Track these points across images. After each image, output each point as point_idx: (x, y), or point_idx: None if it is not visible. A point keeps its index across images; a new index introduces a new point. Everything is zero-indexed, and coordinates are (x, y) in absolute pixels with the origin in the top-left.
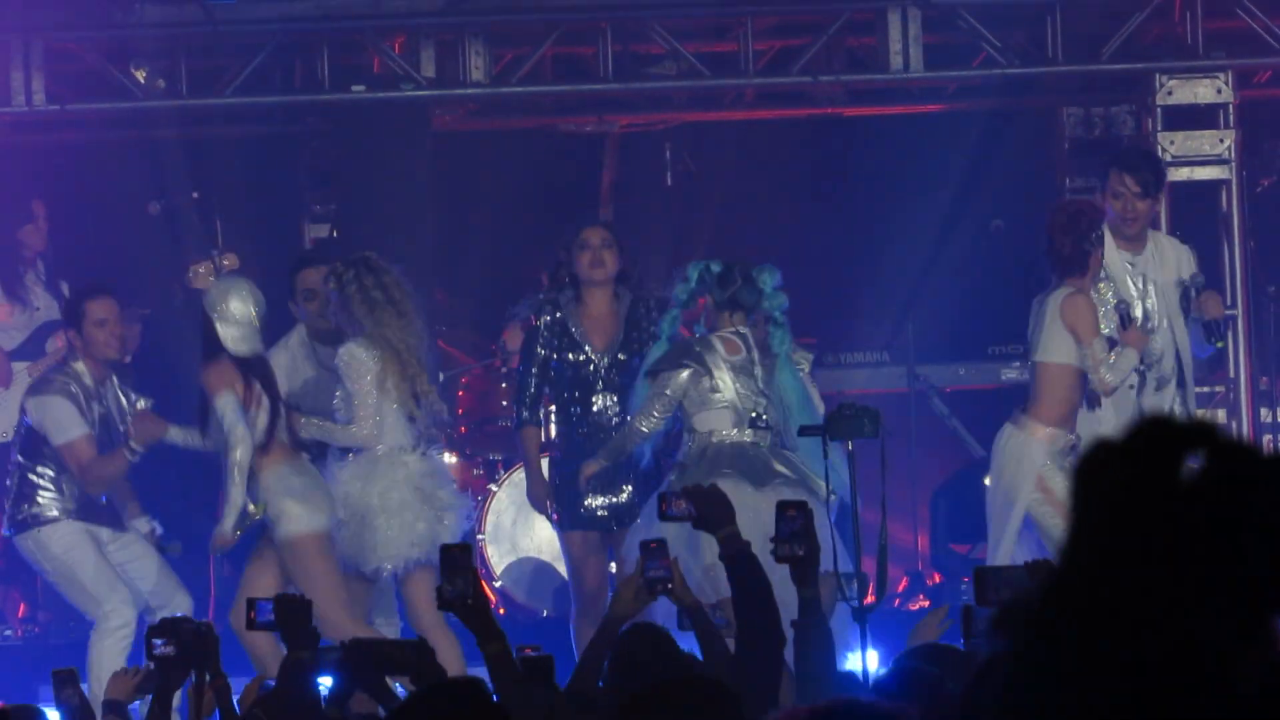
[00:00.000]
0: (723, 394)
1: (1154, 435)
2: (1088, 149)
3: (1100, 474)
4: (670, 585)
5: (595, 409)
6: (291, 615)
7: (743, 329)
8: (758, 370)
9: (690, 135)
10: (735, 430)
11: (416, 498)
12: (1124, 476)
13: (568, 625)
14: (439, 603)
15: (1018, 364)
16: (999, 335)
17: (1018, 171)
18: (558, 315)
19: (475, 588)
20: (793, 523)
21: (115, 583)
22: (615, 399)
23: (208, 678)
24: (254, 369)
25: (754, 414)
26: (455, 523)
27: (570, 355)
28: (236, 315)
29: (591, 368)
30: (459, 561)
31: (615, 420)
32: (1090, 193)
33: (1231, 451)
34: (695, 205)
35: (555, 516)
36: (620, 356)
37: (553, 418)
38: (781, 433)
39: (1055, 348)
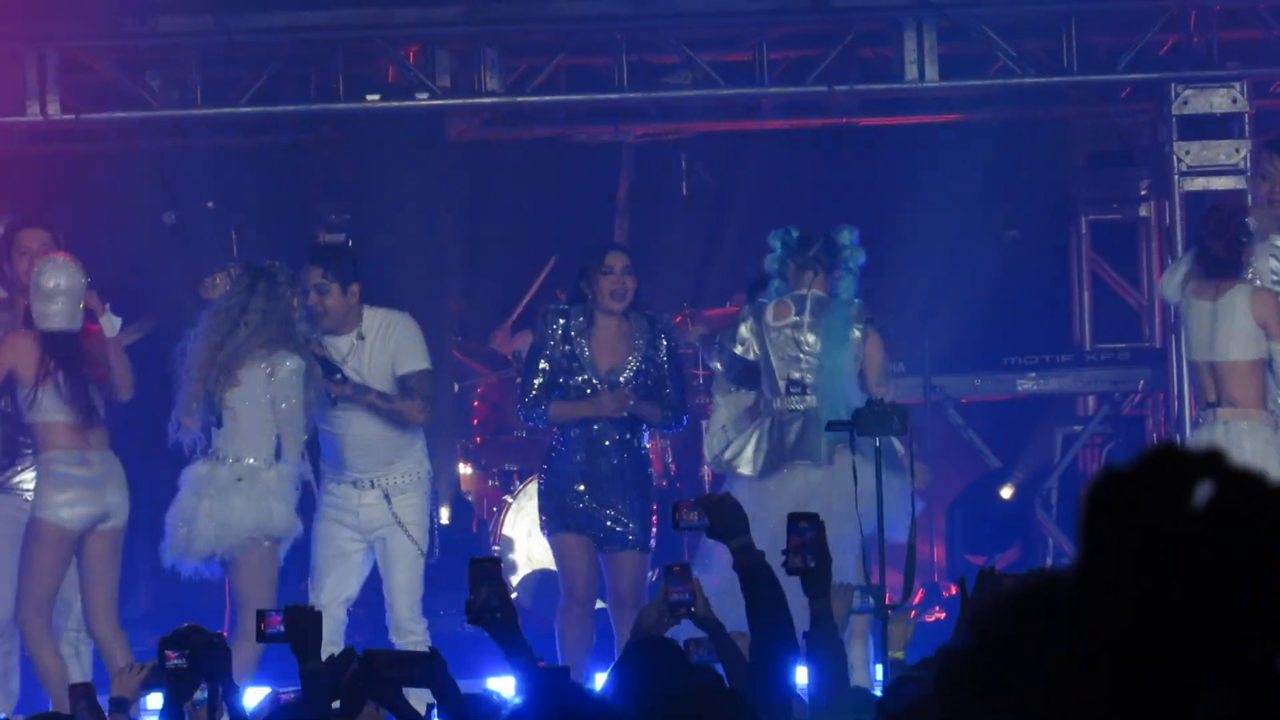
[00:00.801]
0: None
1: (1163, 464)
2: (1103, 159)
3: (1109, 502)
4: (693, 609)
5: (595, 429)
6: (302, 627)
7: (817, 291)
8: (806, 334)
9: (705, 145)
10: (771, 398)
11: None
12: (1133, 505)
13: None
14: (467, 615)
15: (1034, 374)
16: (1015, 346)
17: (1033, 181)
18: (568, 333)
19: (505, 601)
20: (804, 534)
21: None
22: (610, 420)
23: (220, 689)
24: (58, 347)
25: (789, 378)
26: None
27: (575, 376)
28: (54, 290)
29: (589, 392)
30: (488, 573)
31: (613, 440)
32: (1107, 204)
33: (1240, 480)
34: (711, 215)
35: (542, 521)
36: (620, 380)
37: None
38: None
39: (1246, 345)
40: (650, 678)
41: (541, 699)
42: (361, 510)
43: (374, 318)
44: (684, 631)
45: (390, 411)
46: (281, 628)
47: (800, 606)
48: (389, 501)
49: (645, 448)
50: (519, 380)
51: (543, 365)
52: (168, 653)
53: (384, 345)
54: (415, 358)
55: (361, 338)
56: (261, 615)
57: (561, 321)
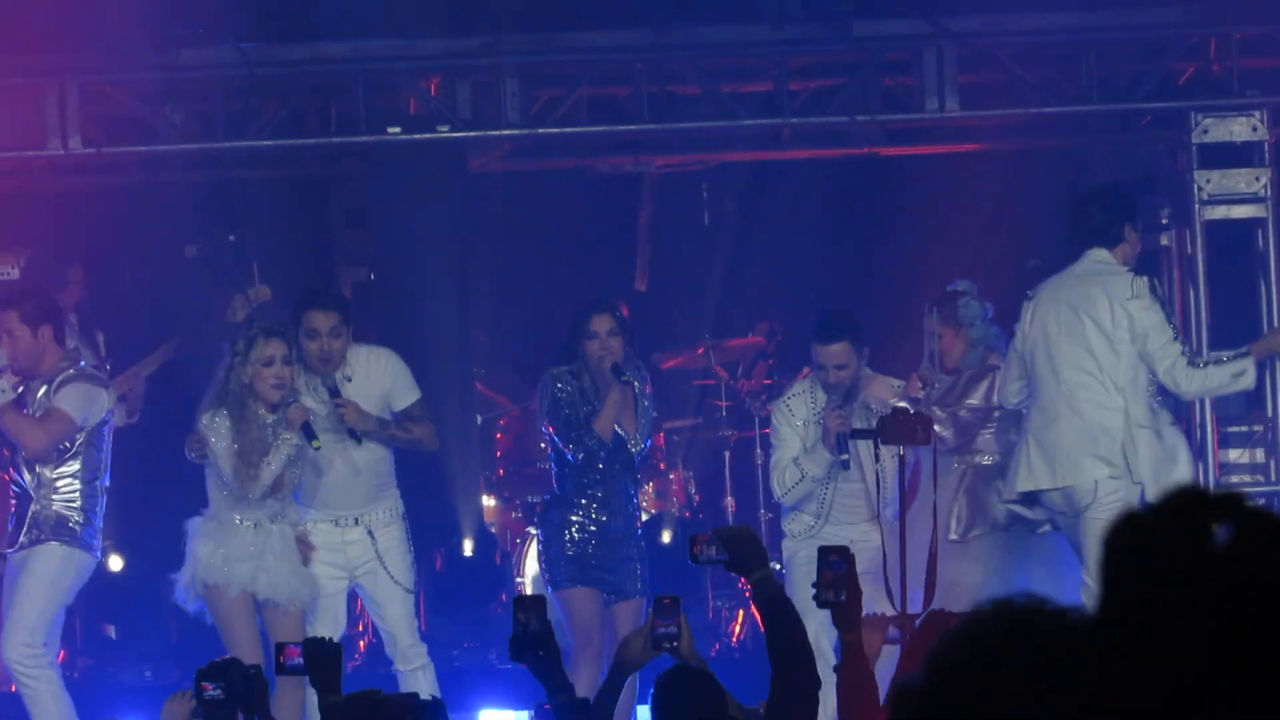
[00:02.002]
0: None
1: (1183, 505)
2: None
3: (1130, 543)
4: (676, 644)
5: (606, 488)
6: (322, 660)
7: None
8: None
9: (727, 175)
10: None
11: None
12: (1153, 547)
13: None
14: (510, 651)
15: None
16: None
17: (1055, 210)
18: (572, 392)
19: (547, 637)
20: (835, 568)
21: None
22: (623, 476)
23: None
24: None
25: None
26: None
27: (587, 439)
28: None
29: (627, 446)
30: (532, 610)
31: (615, 495)
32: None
33: (1259, 521)
34: (732, 245)
35: (546, 577)
36: (640, 443)
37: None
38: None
39: None
40: (686, 709)
41: None
42: (347, 548)
43: (356, 355)
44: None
45: (409, 440)
46: (301, 660)
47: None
48: (373, 538)
49: (638, 500)
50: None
51: (566, 412)
52: (204, 684)
53: (374, 380)
54: (410, 389)
55: (349, 378)
56: (281, 648)
57: (570, 383)
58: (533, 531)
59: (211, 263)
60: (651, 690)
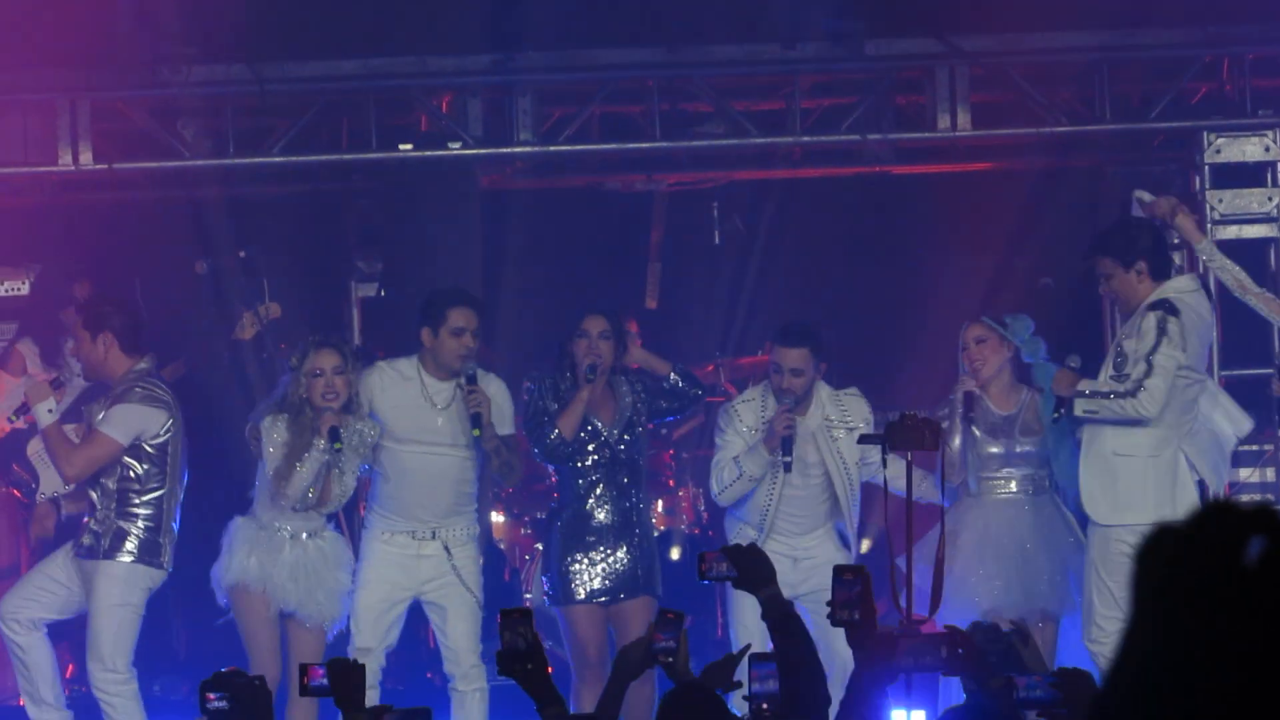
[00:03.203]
0: None
1: (1216, 520)
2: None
3: (1163, 558)
4: (672, 660)
5: (598, 488)
6: (344, 680)
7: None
8: None
9: (738, 193)
10: None
11: None
12: (1186, 561)
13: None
14: (499, 665)
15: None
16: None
17: (1066, 229)
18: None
19: (536, 651)
20: (850, 587)
21: None
22: (628, 477)
23: None
24: None
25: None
26: None
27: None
28: None
29: (602, 439)
30: (517, 625)
31: (612, 489)
32: None
33: None
34: (743, 263)
35: (547, 592)
36: (627, 437)
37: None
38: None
39: None
40: None
41: None
42: (421, 561)
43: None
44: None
45: (508, 457)
46: (325, 680)
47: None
48: (449, 554)
49: (643, 495)
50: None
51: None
52: (208, 695)
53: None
54: (510, 421)
55: (460, 387)
56: (305, 669)
57: (542, 385)
58: (540, 548)
59: (222, 279)
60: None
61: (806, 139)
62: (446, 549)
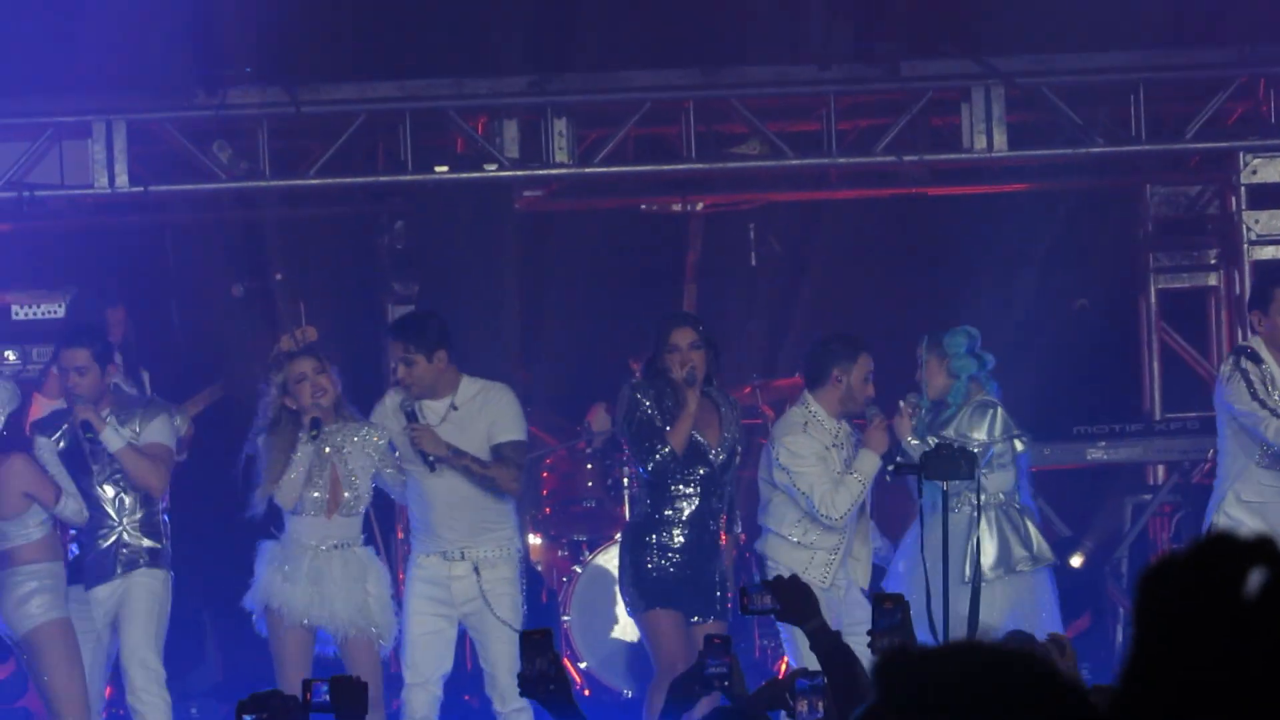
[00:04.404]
0: None
1: (1216, 551)
2: (1172, 228)
3: (1164, 588)
4: (728, 683)
5: (688, 506)
6: (347, 697)
7: None
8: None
9: (774, 215)
10: None
11: None
12: (1187, 591)
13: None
14: (520, 687)
15: (1103, 443)
16: (1085, 415)
17: (1102, 250)
18: (651, 405)
19: (557, 671)
20: (890, 616)
21: None
22: (706, 493)
23: None
24: None
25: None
26: None
27: (660, 449)
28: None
29: (708, 459)
30: (539, 645)
31: (713, 512)
32: (1175, 272)
33: None
34: (780, 285)
35: (626, 601)
36: (724, 456)
37: (632, 494)
38: None
39: None
40: None
41: None
42: (452, 583)
43: (471, 387)
44: None
45: (484, 476)
46: (327, 698)
47: None
48: (478, 575)
49: (730, 517)
50: (588, 449)
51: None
52: (245, 716)
53: (480, 414)
54: (511, 428)
55: (455, 407)
56: (307, 685)
57: (649, 397)
58: (578, 570)
59: (258, 302)
60: None
61: (842, 160)
62: (476, 570)
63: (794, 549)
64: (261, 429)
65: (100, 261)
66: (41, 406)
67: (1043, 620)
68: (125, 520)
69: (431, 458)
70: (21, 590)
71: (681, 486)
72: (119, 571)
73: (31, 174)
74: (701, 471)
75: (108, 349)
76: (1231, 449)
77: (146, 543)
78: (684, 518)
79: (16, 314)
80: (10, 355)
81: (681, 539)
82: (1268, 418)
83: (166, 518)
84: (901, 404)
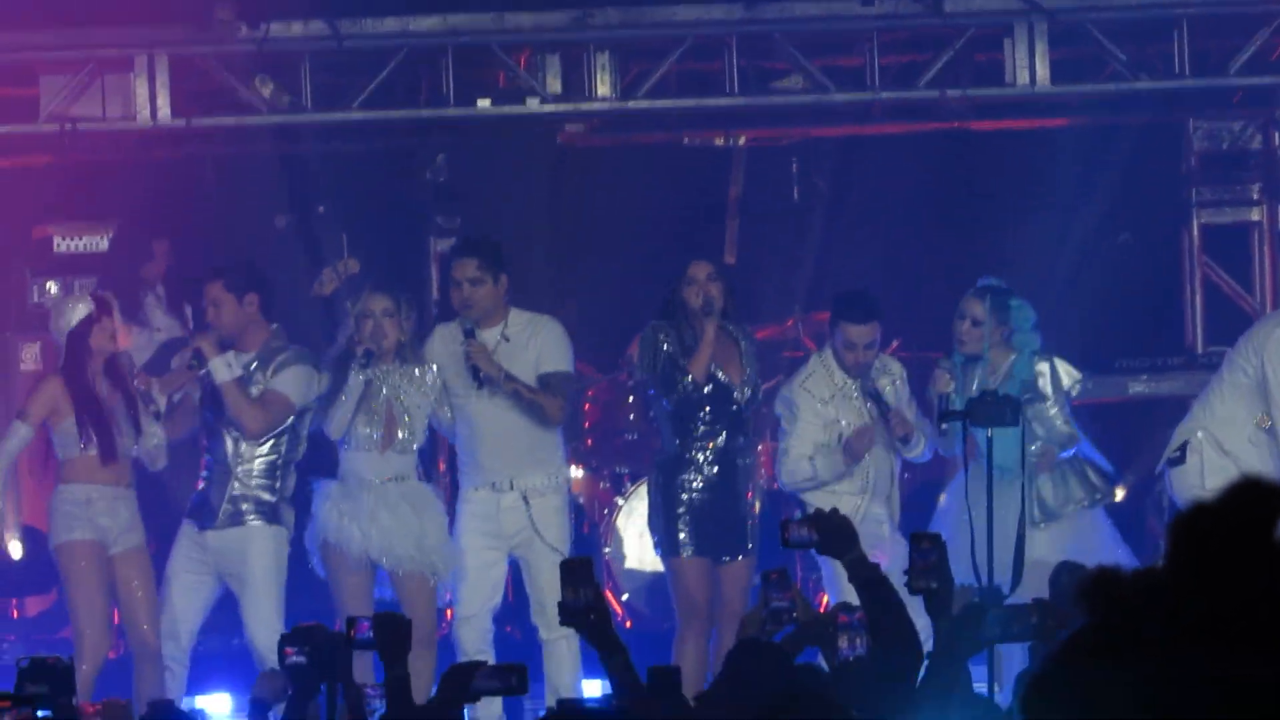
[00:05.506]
0: None
1: (1247, 497)
2: (1215, 162)
3: (1196, 533)
4: (795, 614)
5: (714, 444)
6: (390, 635)
7: None
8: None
9: (816, 150)
10: None
11: None
12: (1220, 535)
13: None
14: (561, 616)
15: (1146, 377)
16: (1127, 349)
17: (1145, 185)
18: (672, 341)
19: (598, 601)
20: (927, 555)
21: None
22: (731, 431)
23: (340, 686)
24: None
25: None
26: None
27: (681, 383)
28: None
29: (730, 395)
30: (581, 574)
31: (736, 448)
32: (1218, 206)
33: None
34: (821, 220)
35: (655, 543)
36: (748, 391)
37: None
38: None
39: None
40: (754, 681)
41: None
42: (501, 515)
43: (520, 319)
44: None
45: (531, 402)
46: (370, 634)
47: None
48: (527, 504)
49: (753, 454)
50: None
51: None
52: (288, 649)
53: (528, 345)
54: (559, 358)
55: (506, 338)
56: (352, 622)
57: (670, 335)
58: (620, 502)
59: (301, 235)
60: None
61: (885, 95)
62: (525, 499)
63: (819, 491)
64: (331, 356)
65: (143, 195)
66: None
67: (1104, 559)
68: (240, 468)
69: (483, 374)
70: (53, 503)
71: (707, 425)
72: (228, 521)
73: (74, 107)
74: (726, 409)
75: (246, 281)
76: None
77: (262, 495)
78: (711, 457)
79: (59, 247)
80: (52, 287)
81: (710, 479)
82: None
83: (293, 471)
84: (938, 372)
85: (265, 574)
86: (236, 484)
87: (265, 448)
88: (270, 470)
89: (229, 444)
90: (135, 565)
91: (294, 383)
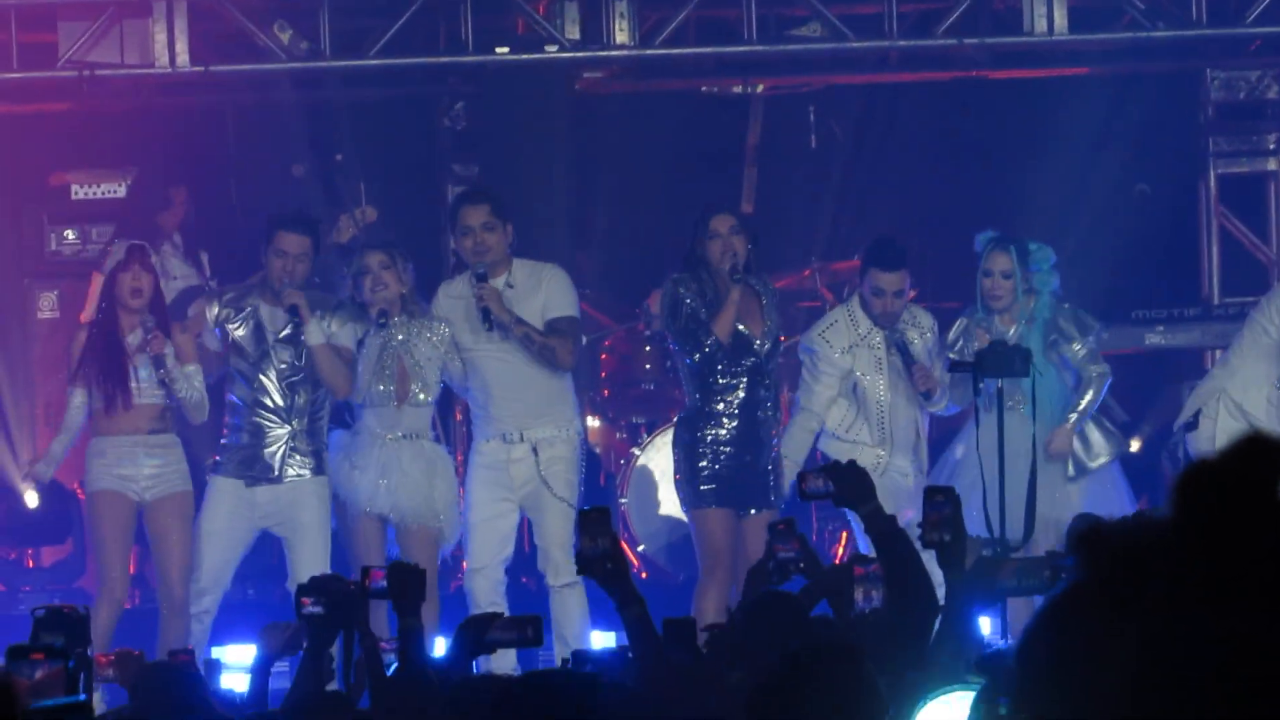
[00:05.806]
0: None
1: (1251, 454)
2: (1232, 112)
3: (1201, 490)
4: (802, 565)
5: (736, 396)
6: (405, 585)
7: None
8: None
9: (834, 98)
10: None
11: None
12: (1225, 492)
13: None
14: (578, 565)
15: (1161, 328)
16: (1143, 299)
17: (1162, 135)
18: (694, 296)
19: (615, 551)
20: (940, 508)
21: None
22: (753, 383)
23: (356, 636)
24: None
25: None
26: None
27: (705, 342)
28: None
29: (753, 348)
30: (598, 523)
31: (762, 400)
32: (1234, 156)
33: None
34: (839, 168)
35: (681, 495)
36: (769, 345)
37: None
38: None
39: None
40: (769, 633)
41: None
42: (511, 467)
43: (523, 268)
44: None
45: (542, 346)
46: (384, 584)
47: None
48: (536, 455)
49: (776, 407)
50: (646, 332)
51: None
52: (304, 599)
53: (534, 292)
54: (565, 304)
55: (511, 285)
56: (366, 571)
57: (691, 289)
58: (636, 453)
59: (318, 182)
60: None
61: (903, 43)
62: (535, 450)
63: (839, 443)
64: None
65: (161, 142)
66: (99, 286)
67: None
68: (295, 424)
69: (493, 316)
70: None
71: (728, 378)
72: (283, 476)
73: (92, 53)
74: (747, 362)
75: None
76: None
77: (313, 447)
78: (734, 409)
79: (76, 194)
80: (70, 235)
81: (733, 431)
82: None
83: (330, 425)
84: (978, 330)
85: (320, 526)
86: (290, 439)
87: (314, 401)
88: (316, 422)
89: (277, 397)
90: (168, 513)
91: (352, 336)
